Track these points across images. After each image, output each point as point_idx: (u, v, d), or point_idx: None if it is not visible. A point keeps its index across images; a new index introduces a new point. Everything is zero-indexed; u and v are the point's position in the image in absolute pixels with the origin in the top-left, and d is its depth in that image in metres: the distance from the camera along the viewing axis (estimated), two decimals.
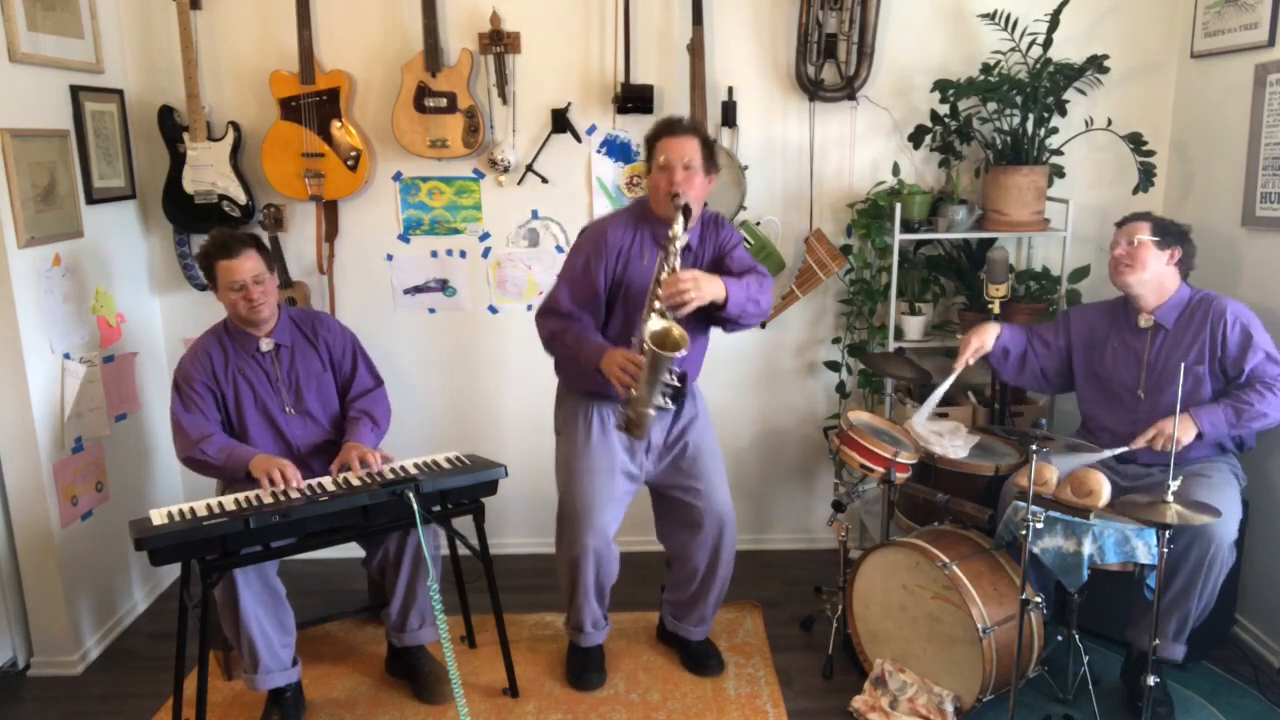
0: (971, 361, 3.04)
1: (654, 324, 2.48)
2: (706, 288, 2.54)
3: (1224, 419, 2.71)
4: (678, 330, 2.47)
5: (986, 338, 3.04)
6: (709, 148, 2.72)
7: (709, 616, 3.05)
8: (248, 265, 2.77)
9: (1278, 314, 2.99)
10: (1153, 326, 2.87)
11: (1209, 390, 2.81)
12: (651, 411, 2.56)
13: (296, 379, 2.91)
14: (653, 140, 2.73)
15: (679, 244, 2.54)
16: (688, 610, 3.04)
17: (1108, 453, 2.77)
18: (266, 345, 2.88)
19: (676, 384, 2.58)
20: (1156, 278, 2.83)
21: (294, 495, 2.61)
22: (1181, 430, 2.67)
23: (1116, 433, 2.92)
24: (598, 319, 2.77)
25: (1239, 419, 2.71)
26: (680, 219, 2.54)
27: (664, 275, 2.53)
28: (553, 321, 2.78)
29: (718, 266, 2.77)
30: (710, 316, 2.67)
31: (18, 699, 3.00)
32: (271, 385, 2.89)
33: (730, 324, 2.72)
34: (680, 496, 2.91)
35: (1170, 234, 2.83)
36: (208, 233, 3.50)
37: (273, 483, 2.64)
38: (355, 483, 2.68)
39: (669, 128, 2.72)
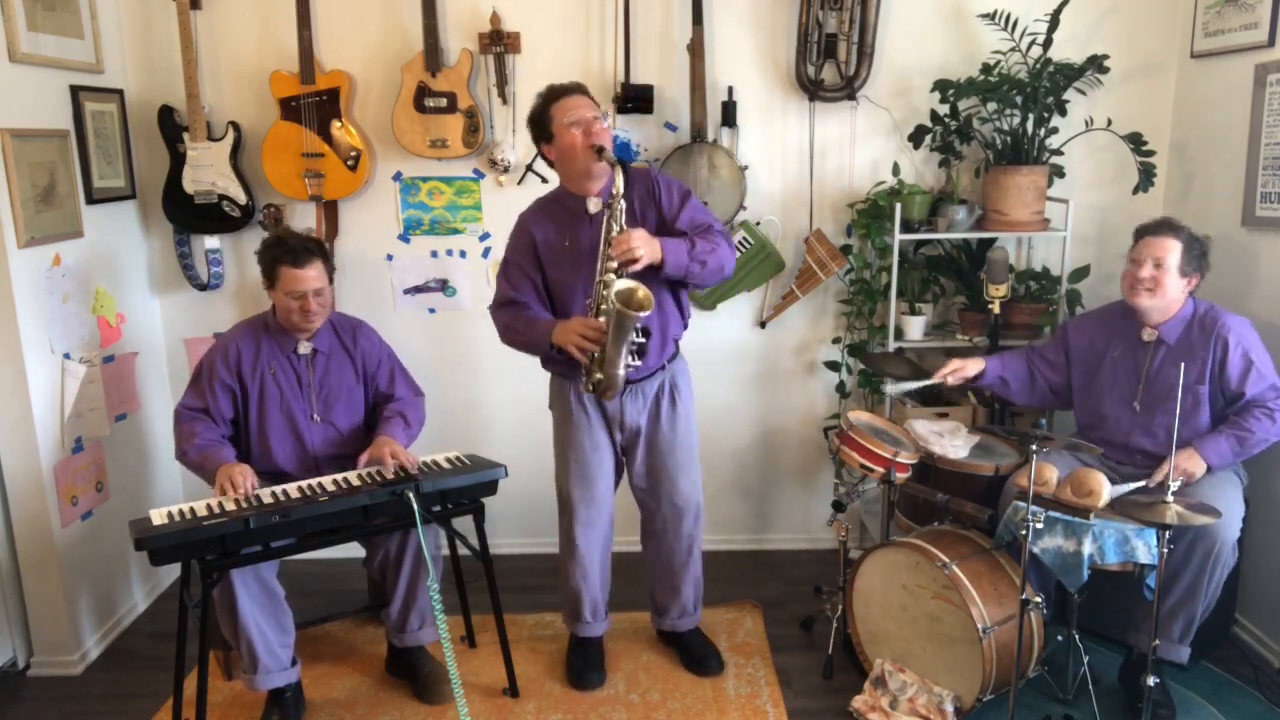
0: (951, 381, 3.03)
1: (620, 284, 2.48)
2: (648, 245, 2.53)
3: (1229, 449, 2.72)
4: (643, 291, 2.47)
5: (969, 364, 3.03)
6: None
7: (691, 608, 3.06)
8: (312, 275, 2.76)
9: (1277, 317, 2.99)
10: (1155, 341, 2.86)
11: (1207, 410, 2.80)
12: (620, 371, 2.56)
13: (328, 388, 2.90)
14: (545, 108, 2.65)
15: (622, 199, 2.54)
16: (668, 603, 3.05)
17: (1124, 489, 2.71)
18: (305, 349, 2.87)
19: (642, 340, 2.57)
20: (1170, 301, 2.80)
21: (294, 495, 2.60)
22: (1195, 466, 2.71)
23: (1112, 443, 2.91)
24: (544, 301, 2.79)
25: (1242, 448, 2.71)
26: (619, 174, 2.52)
27: (613, 234, 2.53)
28: (502, 315, 2.79)
29: (662, 230, 2.72)
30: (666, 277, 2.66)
31: (18, 699, 3.00)
32: (301, 390, 2.88)
33: (678, 283, 2.70)
34: (639, 484, 2.94)
35: (1195, 258, 2.75)
36: (207, 233, 3.54)
37: (233, 488, 2.59)
38: (355, 482, 2.68)
39: (561, 91, 2.66)
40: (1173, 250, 2.74)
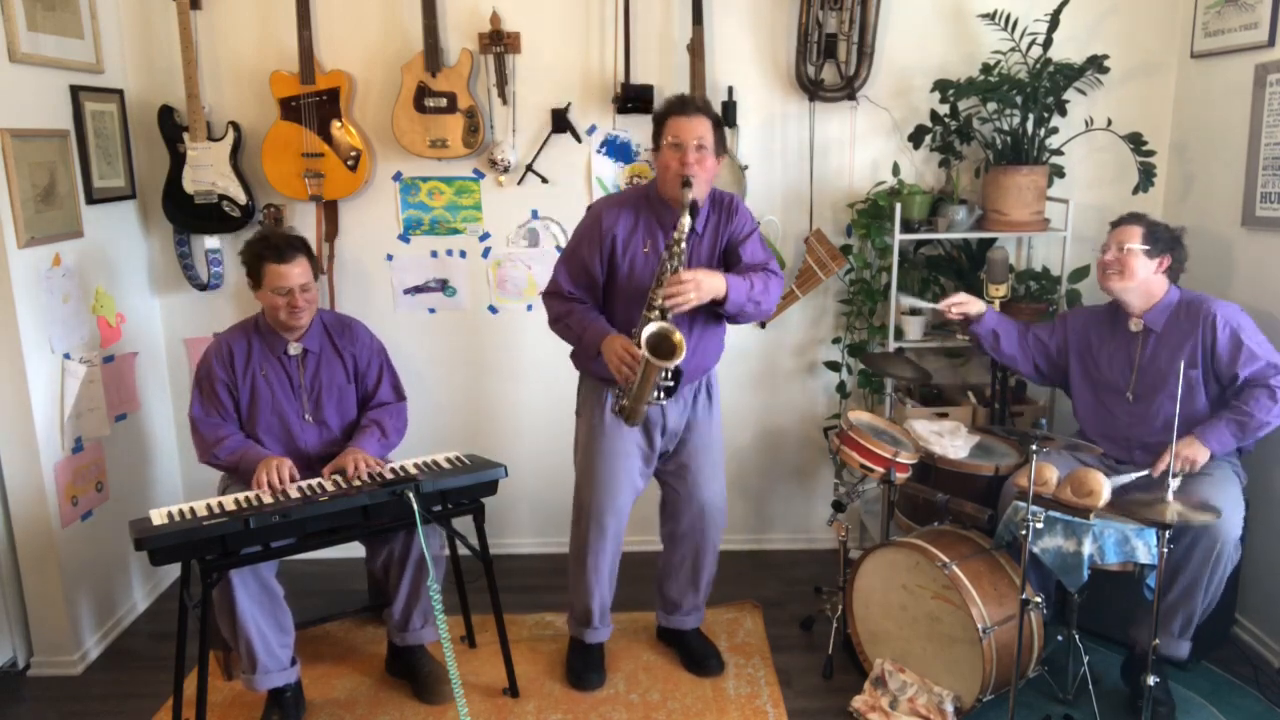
0: (954, 313, 3.05)
1: (651, 328, 2.47)
2: (707, 286, 2.53)
3: (1229, 435, 2.73)
4: (677, 336, 2.46)
5: (972, 302, 3.05)
6: (720, 129, 2.67)
7: (701, 605, 3.08)
8: (297, 272, 2.76)
9: (1277, 315, 2.99)
10: (1143, 330, 2.88)
11: (1204, 396, 2.82)
12: (644, 406, 2.59)
13: (319, 387, 2.90)
14: (663, 117, 2.66)
15: (685, 241, 2.52)
16: (683, 599, 3.05)
17: (1125, 478, 2.73)
18: (295, 349, 2.87)
19: (670, 383, 2.58)
20: (1143, 285, 2.84)
21: (293, 495, 2.60)
22: (1197, 453, 2.72)
23: (1110, 437, 2.93)
24: (597, 301, 2.77)
25: (1243, 432, 2.73)
26: (687, 216, 2.51)
27: (667, 274, 2.52)
28: (556, 304, 2.78)
29: (727, 255, 2.76)
30: (712, 308, 2.66)
31: (18, 699, 3.00)
32: (293, 390, 2.87)
33: (728, 318, 2.73)
34: (671, 482, 2.94)
35: (1161, 241, 2.82)
36: (207, 233, 3.54)
37: (269, 484, 2.62)
38: (356, 482, 2.68)
39: (681, 105, 2.64)
40: (1133, 234, 2.82)
